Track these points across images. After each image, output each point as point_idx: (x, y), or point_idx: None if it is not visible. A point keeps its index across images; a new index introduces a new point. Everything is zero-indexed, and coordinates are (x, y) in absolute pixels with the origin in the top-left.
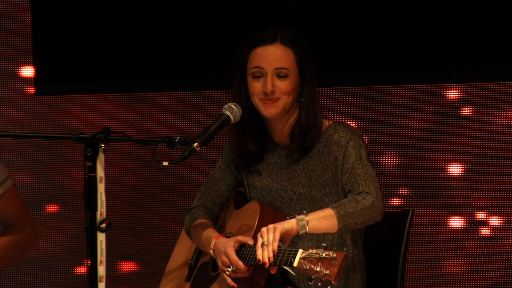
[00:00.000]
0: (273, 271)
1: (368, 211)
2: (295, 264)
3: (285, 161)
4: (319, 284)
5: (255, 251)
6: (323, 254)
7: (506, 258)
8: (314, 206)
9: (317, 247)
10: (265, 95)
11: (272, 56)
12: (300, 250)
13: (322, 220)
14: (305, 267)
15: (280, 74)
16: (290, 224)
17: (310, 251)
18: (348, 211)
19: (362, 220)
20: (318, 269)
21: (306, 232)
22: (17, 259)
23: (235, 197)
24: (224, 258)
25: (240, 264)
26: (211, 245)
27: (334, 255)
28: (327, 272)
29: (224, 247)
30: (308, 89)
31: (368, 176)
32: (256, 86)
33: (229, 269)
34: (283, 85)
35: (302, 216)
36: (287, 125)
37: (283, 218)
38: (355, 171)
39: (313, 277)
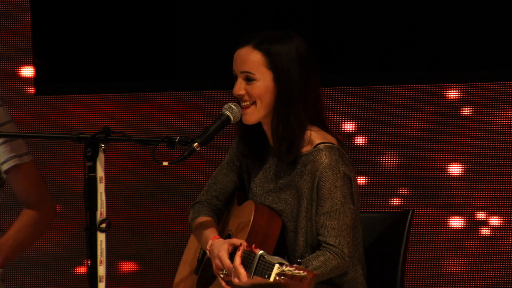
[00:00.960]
0: None
1: (334, 272)
2: (271, 279)
3: (276, 169)
4: None
5: (248, 255)
6: (295, 272)
7: (506, 258)
8: (293, 225)
9: (292, 263)
10: (238, 99)
11: (240, 60)
12: (276, 265)
13: None
14: (279, 282)
15: (247, 78)
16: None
17: (284, 267)
18: (318, 274)
19: (325, 278)
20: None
21: None
22: (33, 241)
23: (239, 193)
24: (217, 261)
25: (232, 268)
26: (208, 246)
27: (305, 274)
28: None
29: (218, 250)
30: (281, 98)
31: (344, 229)
32: (234, 89)
33: (222, 273)
34: (249, 89)
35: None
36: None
37: (277, 218)
38: (329, 221)
39: None
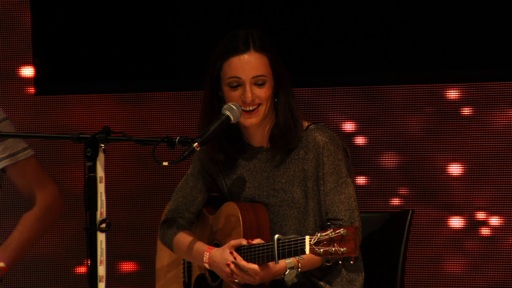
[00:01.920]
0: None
1: None
2: (307, 252)
3: (265, 164)
4: (340, 262)
5: (255, 250)
6: (333, 234)
7: (506, 258)
8: (297, 211)
9: (322, 229)
10: (244, 104)
11: (249, 66)
12: (307, 237)
13: (309, 263)
14: (318, 251)
15: (258, 82)
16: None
17: (318, 234)
18: None
19: None
20: (334, 249)
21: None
22: (40, 236)
23: (205, 208)
24: (227, 269)
25: (255, 267)
26: (205, 258)
27: (345, 231)
28: (344, 249)
29: (223, 259)
30: (283, 90)
31: (352, 202)
32: (233, 96)
33: (236, 280)
34: (261, 92)
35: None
36: (266, 129)
37: (262, 206)
38: (337, 196)
39: (330, 257)
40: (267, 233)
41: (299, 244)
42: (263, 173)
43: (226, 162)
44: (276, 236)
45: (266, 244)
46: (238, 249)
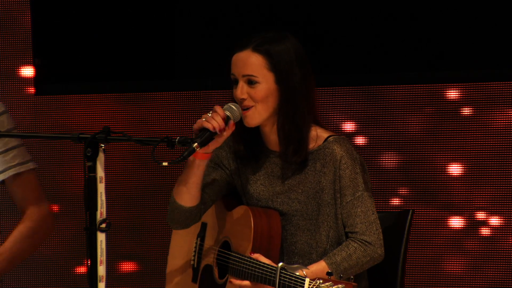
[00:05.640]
0: None
1: (366, 265)
2: None
3: (281, 171)
4: None
5: (257, 266)
6: (333, 287)
7: (506, 258)
8: (309, 223)
9: (323, 276)
10: (239, 103)
11: (241, 63)
12: (307, 280)
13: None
14: None
15: (250, 81)
16: None
17: (318, 281)
18: (344, 267)
19: (358, 271)
20: None
21: None
22: (31, 252)
23: (225, 199)
24: None
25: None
26: None
27: (343, 286)
28: None
29: None
30: (285, 99)
31: (369, 215)
32: (233, 92)
33: None
34: (252, 92)
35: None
36: (276, 133)
37: (276, 216)
38: (354, 209)
39: None
40: (277, 245)
41: (298, 284)
42: (279, 179)
43: (245, 159)
44: (280, 264)
45: (269, 266)
46: (241, 258)
